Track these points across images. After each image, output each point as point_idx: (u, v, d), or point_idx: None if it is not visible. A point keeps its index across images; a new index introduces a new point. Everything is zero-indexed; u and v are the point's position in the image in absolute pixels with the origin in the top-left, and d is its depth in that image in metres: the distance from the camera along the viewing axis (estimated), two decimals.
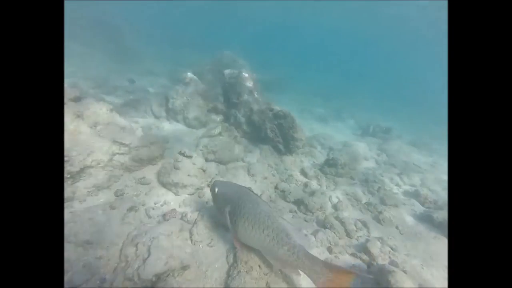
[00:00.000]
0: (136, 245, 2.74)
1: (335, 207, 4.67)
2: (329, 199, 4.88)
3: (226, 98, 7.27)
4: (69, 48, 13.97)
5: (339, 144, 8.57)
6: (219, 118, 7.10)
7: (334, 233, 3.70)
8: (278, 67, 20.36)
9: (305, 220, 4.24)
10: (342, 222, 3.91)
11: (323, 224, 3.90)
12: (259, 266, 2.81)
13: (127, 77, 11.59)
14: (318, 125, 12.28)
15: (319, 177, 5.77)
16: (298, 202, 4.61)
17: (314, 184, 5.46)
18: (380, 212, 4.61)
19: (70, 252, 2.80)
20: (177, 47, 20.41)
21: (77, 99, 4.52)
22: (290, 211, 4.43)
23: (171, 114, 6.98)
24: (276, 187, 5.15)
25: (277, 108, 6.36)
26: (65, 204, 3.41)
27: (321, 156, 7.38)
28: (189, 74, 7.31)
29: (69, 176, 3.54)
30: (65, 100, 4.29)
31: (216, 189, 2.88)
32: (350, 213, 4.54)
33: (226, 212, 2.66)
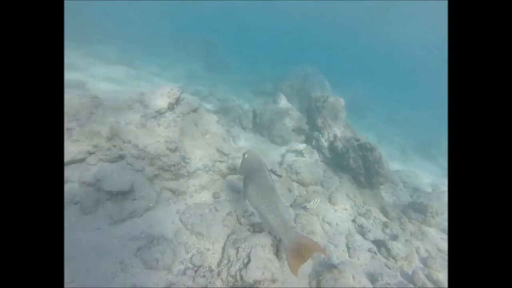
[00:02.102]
0: (237, 249, 3.22)
1: (424, 262, 4.25)
2: (416, 251, 4.47)
3: (311, 120, 7.52)
4: (179, 60, 16.97)
5: (427, 186, 7.64)
6: (301, 138, 7.39)
7: None
8: (360, 86, 19.47)
9: (387, 266, 4.03)
10: (436, 285, 3.55)
11: (412, 280, 3.63)
12: None
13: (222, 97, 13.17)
14: (399, 158, 11.19)
15: (402, 220, 5.33)
16: (379, 243, 4.41)
17: (395, 227, 5.08)
18: None
19: (187, 237, 3.52)
20: (261, 59, 22.01)
21: (195, 110, 5.56)
22: (369, 251, 4.28)
23: (257, 128, 7.66)
24: (353, 220, 5.06)
25: (363, 139, 6.21)
26: (181, 197, 4.26)
27: (403, 196, 6.77)
28: (280, 94, 7.88)
29: (187, 174, 4.41)
30: (189, 110, 5.36)
31: (246, 155, 3.63)
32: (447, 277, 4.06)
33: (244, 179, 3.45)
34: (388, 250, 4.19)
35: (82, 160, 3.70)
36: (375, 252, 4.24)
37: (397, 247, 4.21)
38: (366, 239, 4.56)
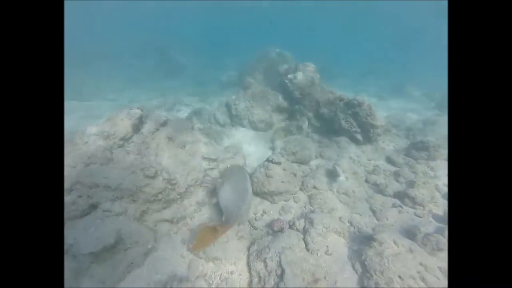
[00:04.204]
0: (264, 261, 2.76)
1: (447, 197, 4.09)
2: (436, 188, 4.30)
3: (287, 95, 7.07)
4: (133, 78, 15.53)
5: (418, 123, 7.60)
6: (284, 116, 6.94)
7: None
8: (319, 55, 19.30)
9: (417, 215, 3.80)
10: None
11: (446, 220, 3.42)
12: (399, 276, 2.56)
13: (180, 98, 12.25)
14: (380, 104, 11.18)
15: (410, 164, 5.16)
16: (400, 195, 4.18)
17: (407, 172, 4.89)
18: None
19: (205, 266, 2.99)
20: (217, 53, 20.94)
21: (164, 124, 4.86)
22: (394, 206, 4.04)
23: (236, 120, 7.09)
24: (366, 181, 4.79)
25: (347, 96, 5.89)
26: (181, 223, 3.68)
27: (399, 140, 6.64)
28: (248, 78, 7.31)
29: (178, 196, 3.81)
30: (157, 126, 4.66)
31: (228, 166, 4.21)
32: None
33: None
34: (413, 199, 3.96)
35: None
36: (400, 206, 3.99)
37: (420, 192, 3.99)
38: (386, 195, 4.30)
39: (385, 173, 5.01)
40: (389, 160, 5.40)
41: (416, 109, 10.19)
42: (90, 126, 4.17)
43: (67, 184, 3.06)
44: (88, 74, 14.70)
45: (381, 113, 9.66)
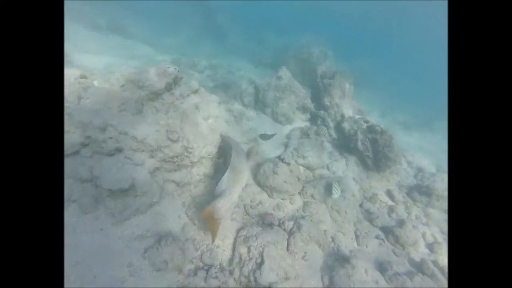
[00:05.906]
0: (249, 248, 3.11)
1: (430, 247, 4.30)
2: (423, 236, 4.50)
3: (316, 97, 7.09)
4: (175, 23, 15.42)
5: (431, 166, 7.58)
6: (306, 117, 7.04)
7: (436, 283, 3.44)
8: (361, 56, 18.39)
9: (394, 253, 4.06)
10: (444, 272, 3.60)
11: (420, 268, 3.66)
12: None
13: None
14: (402, 135, 11.00)
15: (408, 204, 5.32)
16: (386, 230, 4.41)
17: (400, 210, 5.08)
18: None
19: (195, 232, 3.39)
20: (261, 27, 20.19)
21: (196, 91, 5.07)
22: (377, 237, 4.29)
23: (260, 105, 7.22)
24: (361, 205, 5.01)
25: (372, 121, 5.91)
26: (185, 188, 4.05)
27: (407, 176, 6.72)
28: (284, 69, 7.29)
29: (190, 164, 4.14)
30: (188, 92, 4.87)
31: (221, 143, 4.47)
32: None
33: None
34: (396, 238, 4.19)
35: (76, 153, 3.37)
36: (382, 239, 4.24)
37: (405, 234, 4.20)
38: (374, 225, 4.54)
39: (380, 204, 5.21)
40: (389, 194, 5.56)
41: (434, 151, 10.02)
42: (127, 72, 4.41)
43: (102, 123, 3.39)
44: (134, 13, 14.65)
45: (399, 144, 9.59)
